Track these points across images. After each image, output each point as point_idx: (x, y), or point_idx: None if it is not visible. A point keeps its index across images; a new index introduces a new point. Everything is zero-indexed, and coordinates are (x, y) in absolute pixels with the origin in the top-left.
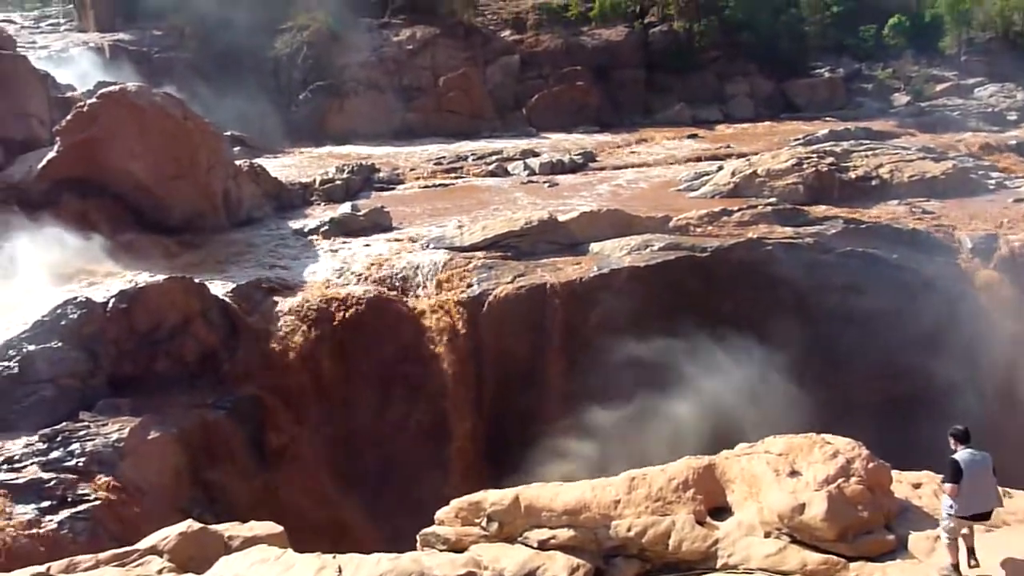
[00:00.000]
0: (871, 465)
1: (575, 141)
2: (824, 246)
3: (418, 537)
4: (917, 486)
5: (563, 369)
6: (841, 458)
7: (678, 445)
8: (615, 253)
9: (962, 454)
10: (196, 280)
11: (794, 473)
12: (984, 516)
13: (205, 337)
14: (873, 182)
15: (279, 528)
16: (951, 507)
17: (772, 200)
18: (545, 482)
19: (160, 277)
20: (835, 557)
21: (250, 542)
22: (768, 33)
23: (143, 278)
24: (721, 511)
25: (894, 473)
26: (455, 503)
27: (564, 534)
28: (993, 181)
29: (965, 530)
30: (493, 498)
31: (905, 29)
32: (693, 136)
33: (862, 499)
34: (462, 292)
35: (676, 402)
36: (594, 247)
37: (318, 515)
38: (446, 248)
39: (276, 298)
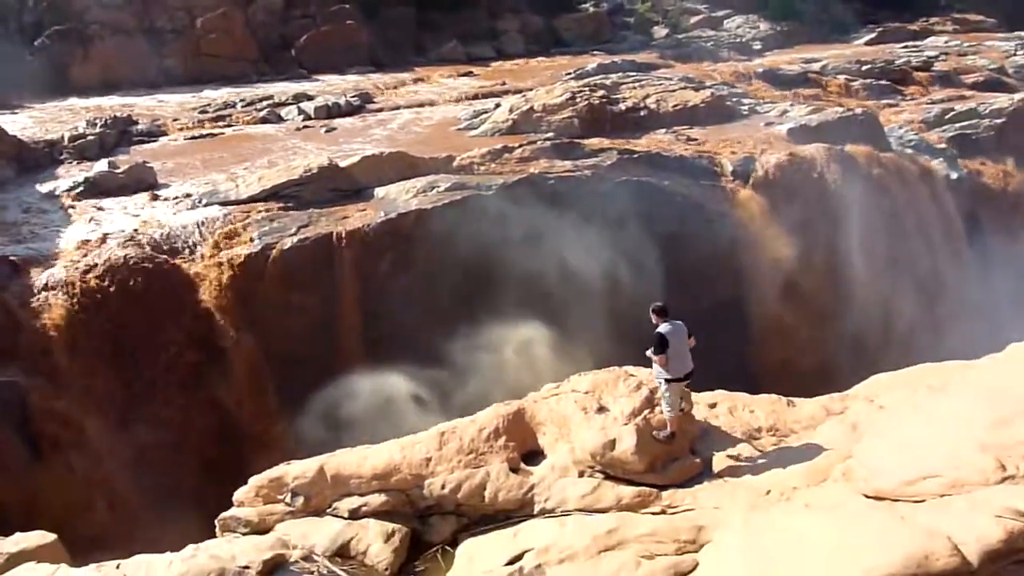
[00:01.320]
0: None
1: (350, 82)
2: (602, 177)
3: (216, 523)
4: (713, 406)
5: (358, 321)
6: (645, 389)
7: (487, 392)
8: (401, 197)
9: (664, 327)
10: None
11: (602, 409)
12: (689, 376)
13: None
14: (642, 112)
15: (52, 537)
16: (663, 374)
17: (550, 135)
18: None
19: None
20: (647, 488)
21: (16, 559)
22: None
23: None
24: (535, 455)
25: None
26: (254, 481)
27: (376, 500)
28: (746, 107)
29: (684, 405)
30: (296, 471)
31: None
32: (468, 74)
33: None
34: (242, 248)
35: (482, 347)
36: (379, 192)
37: (110, 512)
38: (220, 203)
39: (30, 271)
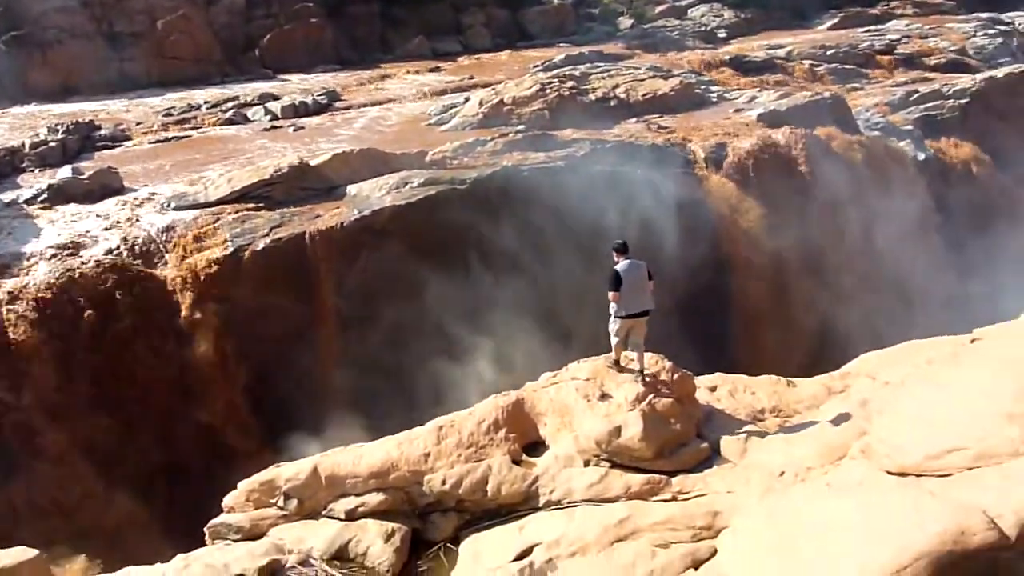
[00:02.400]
0: (676, 376)
1: (316, 81)
2: (576, 168)
3: (206, 531)
4: (713, 389)
5: (335, 321)
6: (648, 374)
7: (477, 388)
8: (374, 193)
9: (622, 264)
10: None
11: (604, 396)
12: (643, 314)
13: None
14: (612, 102)
15: (32, 552)
16: (615, 309)
17: (521, 127)
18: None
19: None
20: (656, 475)
21: None
22: None
23: None
24: (537, 446)
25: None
26: (244, 485)
27: (374, 499)
28: (715, 95)
29: (632, 351)
30: (288, 472)
31: None
32: (436, 69)
33: (673, 412)
34: (214, 251)
35: (464, 343)
36: (351, 189)
37: (94, 519)
38: (189, 206)
39: None
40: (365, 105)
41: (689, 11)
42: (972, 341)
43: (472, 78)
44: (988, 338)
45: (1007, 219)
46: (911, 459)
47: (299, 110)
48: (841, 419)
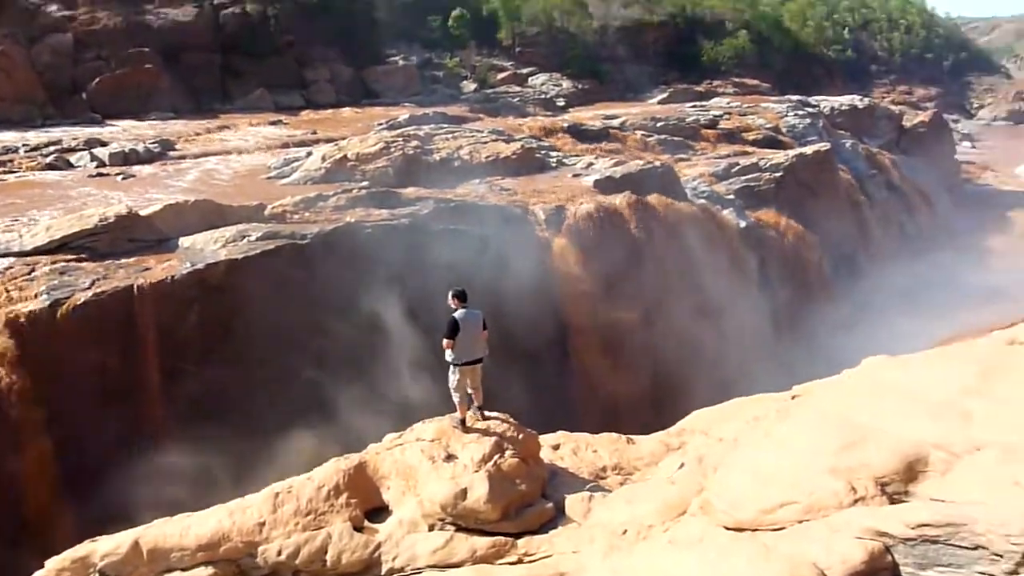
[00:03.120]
0: (521, 436)
1: (150, 128)
2: (420, 226)
3: None
4: (556, 447)
5: (161, 381)
6: (494, 436)
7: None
8: (209, 246)
9: (460, 312)
10: None
11: (450, 457)
12: (477, 362)
13: None
14: (456, 163)
15: None
16: (451, 356)
17: (365, 184)
18: (165, 515)
19: None
20: (502, 538)
21: None
22: (344, 19)
23: None
24: (380, 512)
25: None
26: (52, 563)
27: (203, 573)
28: (554, 160)
29: (470, 390)
30: (105, 547)
31: (467, 21)
32: (278, 122)
33: (519, 472)
34: (28, 305)
35: (305, 403)
36: (184, 242)
37: None
38: (1, 255)
39: None
40: (202, 155)
41: (530, 79)
42: (793, 398)
43: (315, 133)
44: (807, 394)
45: (817, 281)
46: (746, 514)
47: (129, 158)
48: (678, 476)
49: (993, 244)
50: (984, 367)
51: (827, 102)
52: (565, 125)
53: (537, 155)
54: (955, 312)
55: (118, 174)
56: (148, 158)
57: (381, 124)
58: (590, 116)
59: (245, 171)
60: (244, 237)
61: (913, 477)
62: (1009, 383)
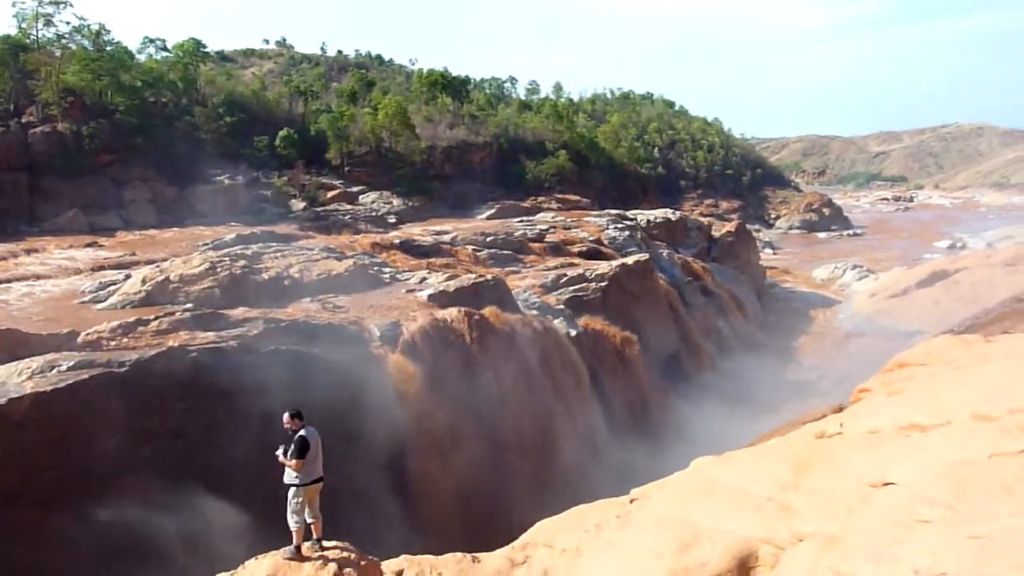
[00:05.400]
0: (363, 563)
1: None
2: (249, 347)
3: None
4: (399, 573)
5: None
6: (333, 565)
7: None
8: (12, 379)
9: (308, 431)
10: None
11: None
12: (320, 480)
13: None
14: (286, 282)
15: None
16: (296, 478)
17: (189, 305)
18: None
19: None
20: None
21: None
22: (165, 139)
23: None
24: None
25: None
26: None
27: None
28: (387, 275)
29: (311, 519)
30: None
31: (294, 141)
32: (93, 244)
33: None
34: None
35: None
36: None
37: None
38: None
39: None
40: (4, 281)
41: (360, 197)
42: (632, 501)
43: (134, 254)
44: (644, 497)
45: (647, 383)
46: None
47: None
48: None
49: (799, 342)
50: (797, 461)
51: (643, 215)
52: (397, 241)
53: (370, 271)
54: (773, 406)
55: None
56: None
57: (206, 244)
58: (421, 232)
59: (56, 296)
60: (53, 367)
61: (745, 573)
62: (821, 475)
